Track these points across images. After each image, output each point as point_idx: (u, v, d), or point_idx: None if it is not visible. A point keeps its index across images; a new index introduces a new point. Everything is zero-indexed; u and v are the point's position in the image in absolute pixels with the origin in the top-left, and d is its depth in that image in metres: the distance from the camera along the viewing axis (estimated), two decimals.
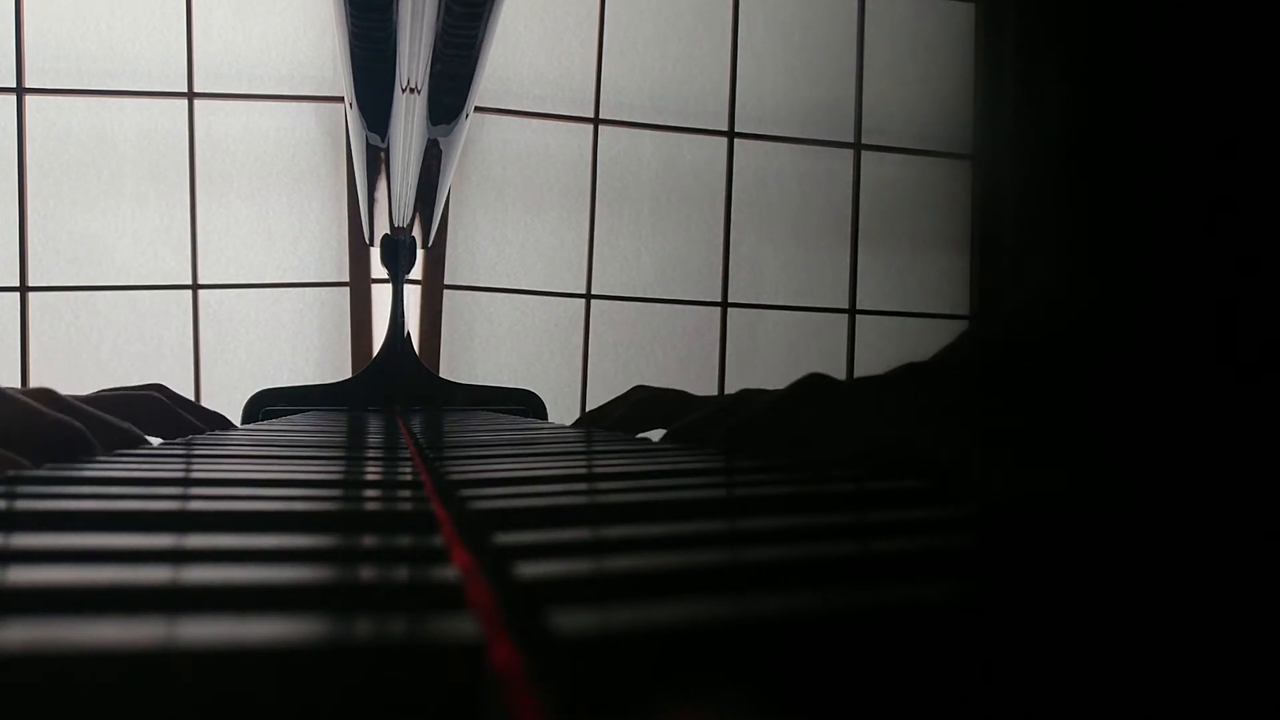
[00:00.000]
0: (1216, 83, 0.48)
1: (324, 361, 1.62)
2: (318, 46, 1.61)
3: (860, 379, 0.65)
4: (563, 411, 1.53)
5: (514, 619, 0.15)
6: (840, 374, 0.71)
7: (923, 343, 0.74)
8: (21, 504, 0.25)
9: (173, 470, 0.33)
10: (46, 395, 0.57)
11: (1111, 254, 0.52)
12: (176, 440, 0.51)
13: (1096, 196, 0.53)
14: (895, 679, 0.12)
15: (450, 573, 0.16)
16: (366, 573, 0.17)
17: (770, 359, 1.80)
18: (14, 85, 1.51)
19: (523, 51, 1.70)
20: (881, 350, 1.84)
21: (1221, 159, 0.47)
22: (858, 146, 1.85)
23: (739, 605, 0.14)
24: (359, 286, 1.62)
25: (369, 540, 0.21)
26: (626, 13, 1.74)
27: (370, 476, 0.34)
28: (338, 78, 1.51)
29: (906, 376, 0.65)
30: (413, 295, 1.55)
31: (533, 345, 1.70)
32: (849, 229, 1.85)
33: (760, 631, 0.13)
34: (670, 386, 0.71)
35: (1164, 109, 0.49)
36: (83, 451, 0.53)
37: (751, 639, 0.13)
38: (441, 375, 1.16)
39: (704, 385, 1.76)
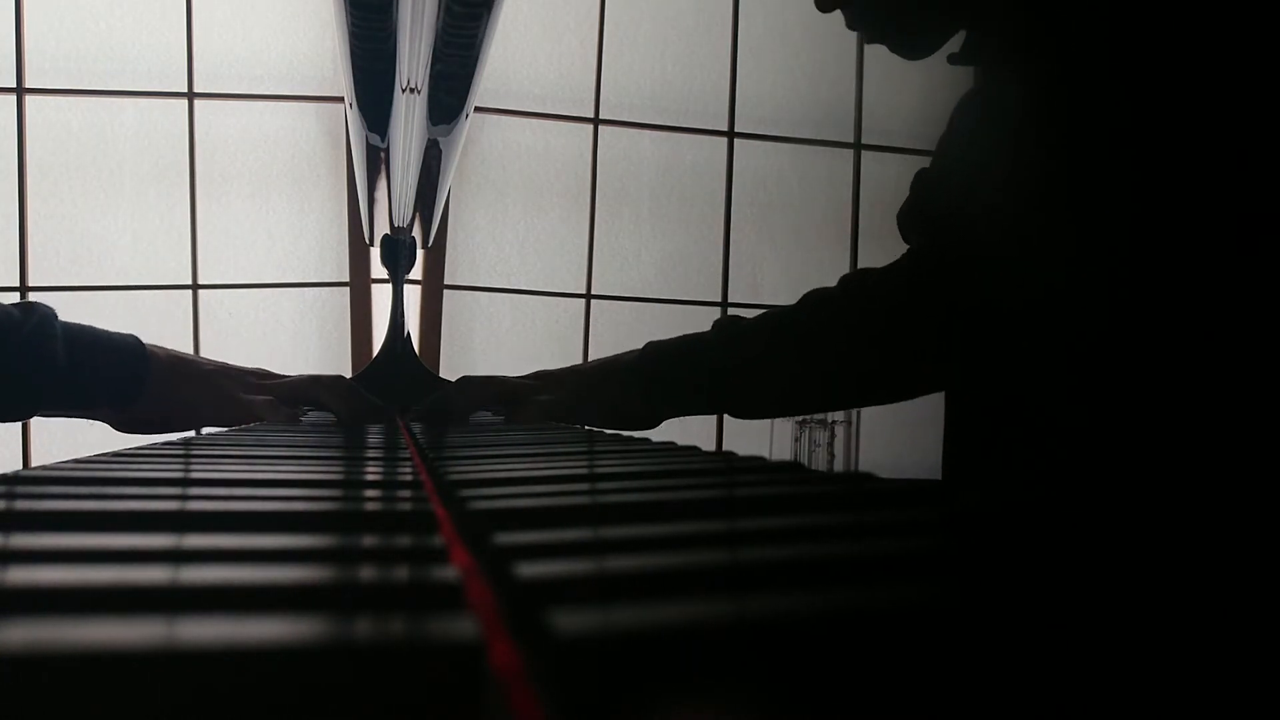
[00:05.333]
0: (1196, 81, 0.48)
1: (324, 361, 1.62)
2: (318, 46, 1.61)
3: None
4: None
5: (514, 619, 0.15)
6: None
7: None
8: (21, 504, 0.25)
9: (173, 470, 0.33)
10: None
11: (1091, 246, 0.52)
12: (176, 440, 0.51)
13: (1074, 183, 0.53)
14: (893, 678, 0.12)
15: (450, 573, 0.16)
16: (366, 573, 0.17)
17: None
18: (14, 85, 1.51)
19: (523, 51, 1.70)
20: None
21: (1205, 156, 0.47)
22: (858, 146, 1.85)
23: (739, 605, 0.14)
24: (359, 286, 1.62)
25: (369, 540, 0.21)
26: (626, 13, 1.74)
27: (370, 476, 0.34)
28: (338, 78, 1.51)
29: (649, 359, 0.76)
30: (413, 295, 1.55)
31: (533, 345, 1.70)
32: (849, 229, 1.85)
33: (760, 631, 0.13)
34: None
35: (1141, 107, 0.50)
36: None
37: (751, 639, 0.13)
38: (441, 375, 1.16)
39: None
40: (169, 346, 0.74)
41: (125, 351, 0.67)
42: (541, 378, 0.78)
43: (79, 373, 0.65)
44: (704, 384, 0.74)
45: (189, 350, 1.55)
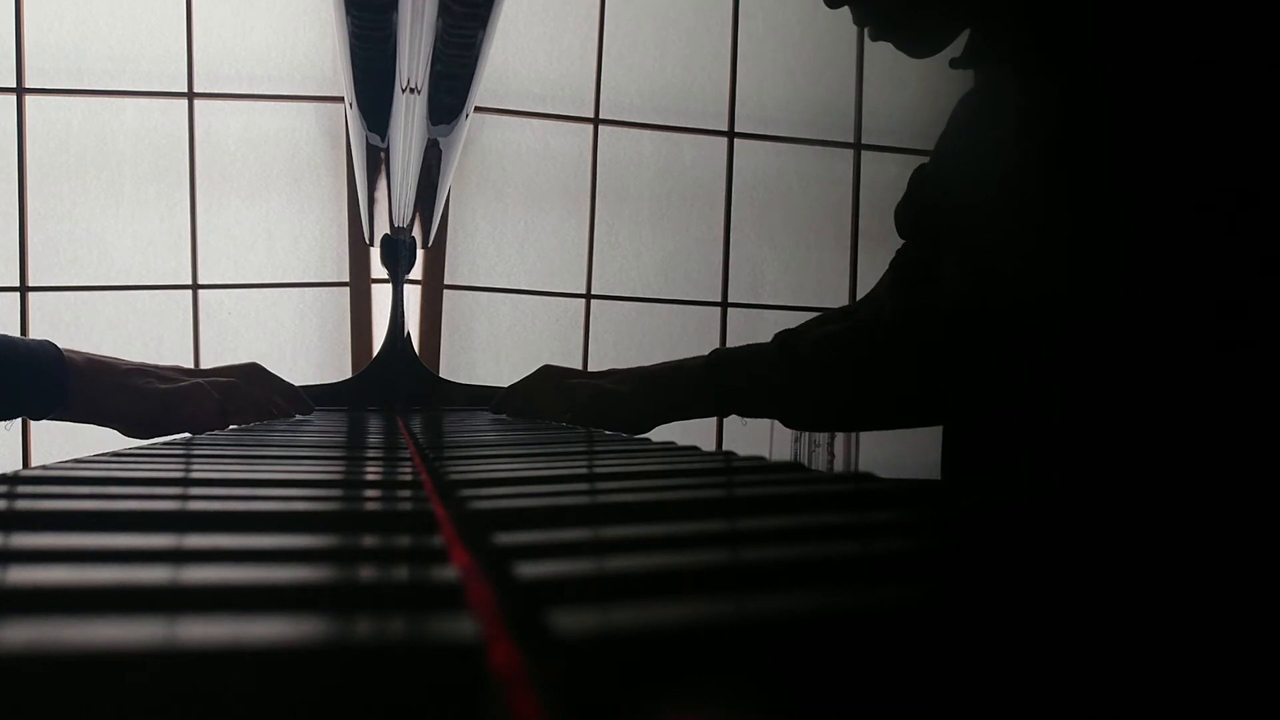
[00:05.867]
0: (1187, 73, 0.48)
1: (324, 361, 1.62)
2: (318, 46, 1.61)
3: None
4: None
5: (514, 619, 0.15)
6: None
7: None
8: (21, 504, 0.25)
9: (173, 470, 0.33)
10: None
11: (1086, 244, 0.52)
12: (176, 440, 0.51)
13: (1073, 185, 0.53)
14: (893, 678, 0.12)
15: (450, 573, 0.16)
16: (366, 573, 0.17)
17: None
18: (14, 85, 1.51)
19: (523, 51, 1.70)
20: None
21: (1198, 146, 0.47)
22: (858, 146, 1.85)
23: (738, 605, 0.14)
24: (359, 286, 1.62)
25: (369, 540, 0.21)
26: (626, 13, 1.74)
27: (370, 476, 0.34)
28: (338, 78, 1.51)
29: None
30: (413, 295, 1.55)
31: (533, 345, 1.70)
32: (849, 229, 1.85)
33: (759, 631, 0.13)
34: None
35: (1135, 100, 0.50)
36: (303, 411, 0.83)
37: (750, 639, 0.13)
38: (441, 375, 1.16)
39: None
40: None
41: (44, 359, 0.68)
42: (610, 374, 0.82)
43: (4, 383, 0.65)
44: (764, 400, 0.77)
45: (189, 350, 1.55)
